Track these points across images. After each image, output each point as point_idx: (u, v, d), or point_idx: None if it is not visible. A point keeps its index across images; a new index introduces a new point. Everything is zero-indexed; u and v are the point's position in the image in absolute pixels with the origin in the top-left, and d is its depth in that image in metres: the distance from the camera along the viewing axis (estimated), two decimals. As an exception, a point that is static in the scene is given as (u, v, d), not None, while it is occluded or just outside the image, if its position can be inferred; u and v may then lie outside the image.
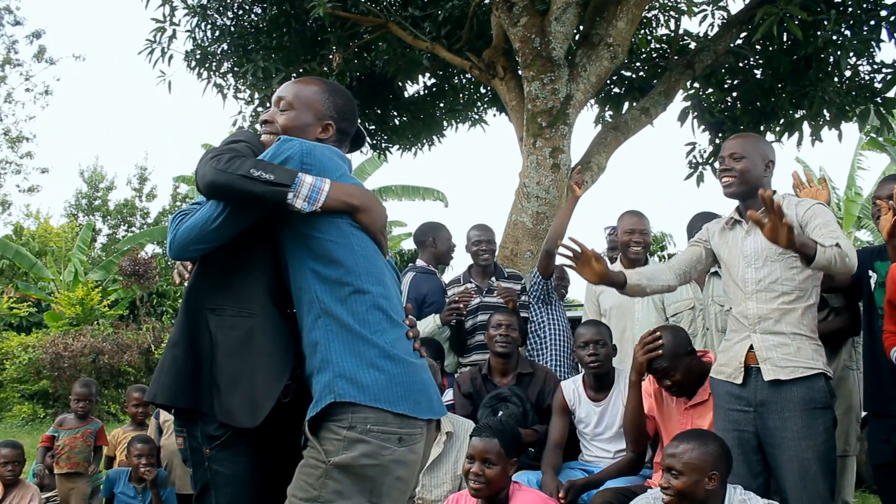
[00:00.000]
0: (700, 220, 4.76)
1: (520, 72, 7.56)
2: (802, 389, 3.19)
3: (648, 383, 3.87)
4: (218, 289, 2.25)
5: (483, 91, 10.73)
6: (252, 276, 2.27)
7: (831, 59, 7.84)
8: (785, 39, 8.03)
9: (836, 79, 8.04)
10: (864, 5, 7.48)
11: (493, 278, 5.47)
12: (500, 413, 4.33)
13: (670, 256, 15.27)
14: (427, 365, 2.33)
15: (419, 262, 5.73)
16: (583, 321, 4.95)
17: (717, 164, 3.40)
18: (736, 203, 3.52)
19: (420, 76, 9.99)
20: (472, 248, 5.47)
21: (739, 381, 3.32)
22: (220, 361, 2.18)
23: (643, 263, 4.83)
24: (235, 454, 2.20)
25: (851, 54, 7.54)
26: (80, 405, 5.47)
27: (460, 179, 51.67)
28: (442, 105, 10.69)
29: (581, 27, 7.98)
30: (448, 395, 4.87)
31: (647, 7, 8.45)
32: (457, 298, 5.27)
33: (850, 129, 8.63)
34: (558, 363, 5.20)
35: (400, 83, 9.81)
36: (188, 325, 2.25)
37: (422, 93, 10.59)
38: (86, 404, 5.49)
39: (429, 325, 5.31)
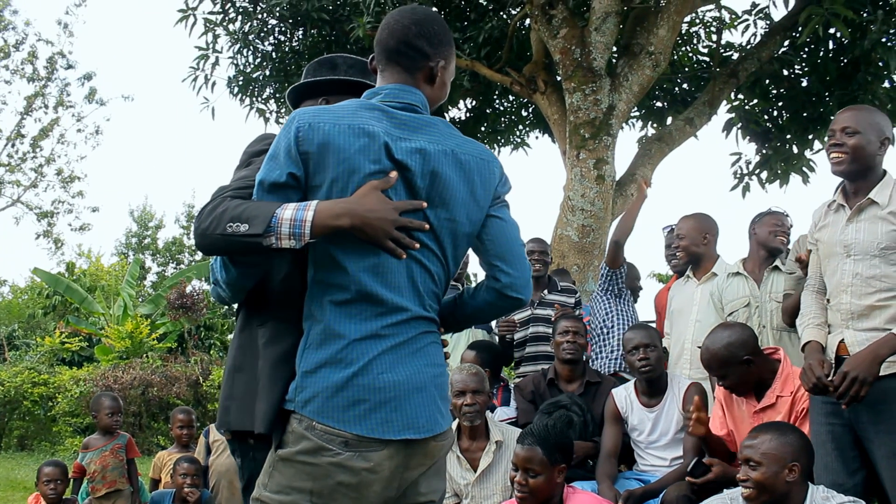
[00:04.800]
0: (765, 218, 4.59)
1: (562, 84, 7.50)
2: None
3: (718, 389, 3.71)
4: (263, 302, 2.15)
5: (524, 114, 10.69)
6: (282, 285, 2.12)
7: (880, 63, 7.66)
8: (831, 46, 7.89)
9: (885, 82, 7.86)
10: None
11: (546, 291, 5.38)
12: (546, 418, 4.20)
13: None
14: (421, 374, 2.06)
15: None
16: (630, 325, 4.80)
17: (827, 139, 3.08)
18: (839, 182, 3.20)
19: (461, 100, 9.98)
20: None
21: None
22: (261, 371, 2.08)
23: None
24: None
25: (901, 56, 7.36)
26: (114, 419, 5.23)
27: (504, 204, 52.04)
28: (484, 128, 10.67)
29: (621, 37, 7.93)
30: (500, 413, 4.75)
31: (687, 16, 8.36)
32: (497, 330, 5.34)
33: (903, 135, 8.42)
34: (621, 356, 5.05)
35: (441, 106, 9.82)
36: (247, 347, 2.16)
37: (464, 116, 10.58)
38: (118, 417, 5.28)
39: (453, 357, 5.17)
